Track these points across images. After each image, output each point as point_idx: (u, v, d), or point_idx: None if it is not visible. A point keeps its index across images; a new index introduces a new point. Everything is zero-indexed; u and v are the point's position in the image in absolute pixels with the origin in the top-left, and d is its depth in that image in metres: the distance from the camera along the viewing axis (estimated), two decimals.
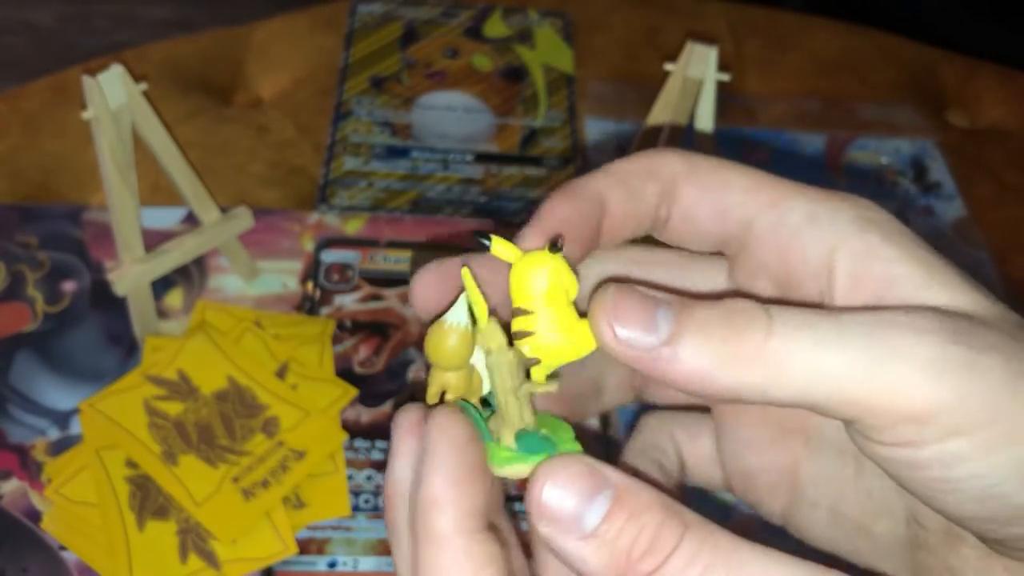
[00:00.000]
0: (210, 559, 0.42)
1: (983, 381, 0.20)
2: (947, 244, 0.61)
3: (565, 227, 0.24)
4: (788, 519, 0.29)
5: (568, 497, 0.20)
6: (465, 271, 0.23)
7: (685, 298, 0.22)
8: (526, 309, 0.22)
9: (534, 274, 0.22)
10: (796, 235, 0.24)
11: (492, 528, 0.23)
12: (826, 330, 0.20)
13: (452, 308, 0.23)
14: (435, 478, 0.22)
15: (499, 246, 0.23)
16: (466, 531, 0.22)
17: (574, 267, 0.23)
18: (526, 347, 0.22)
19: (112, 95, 0.42)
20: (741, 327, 0.20)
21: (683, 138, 0.49)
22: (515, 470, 0.22)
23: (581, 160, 0.63)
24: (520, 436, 0.23)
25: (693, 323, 0.21)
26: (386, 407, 0.49)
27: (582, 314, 0.22)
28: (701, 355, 0.20)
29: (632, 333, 0.21)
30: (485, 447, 0.23)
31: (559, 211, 0.24)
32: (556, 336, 0.22)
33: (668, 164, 0.25)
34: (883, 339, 0.20)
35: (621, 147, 0.64)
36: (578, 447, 0.23)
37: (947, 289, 0.22)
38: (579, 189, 0.25)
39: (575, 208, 0.24)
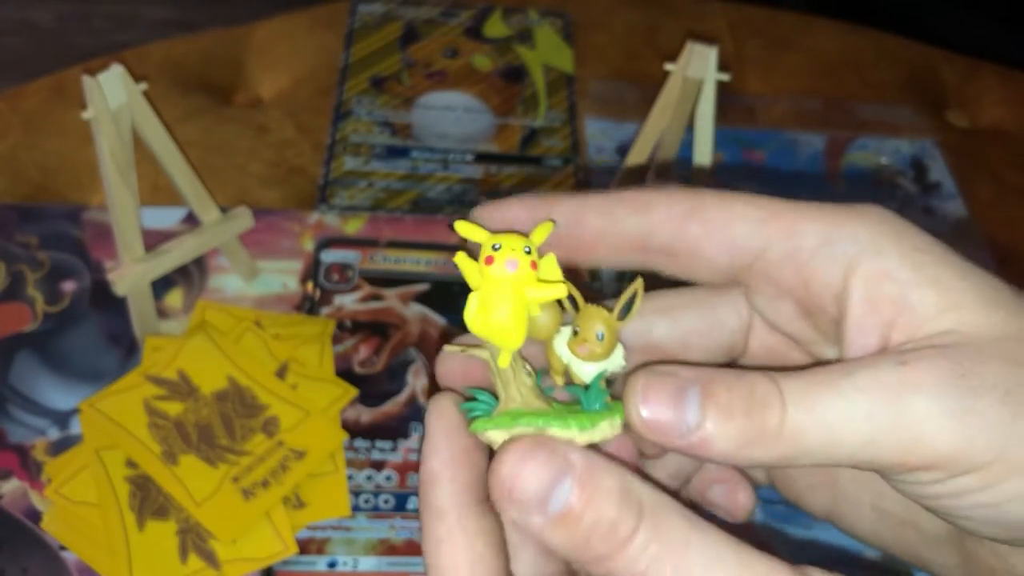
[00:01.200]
0: (210, 559, 0.42)
1: (982, 424, 0.21)
2: (947, 244, 0.61)
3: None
4: (831, 516, 0.30)
5: (532, 482, 0.22)
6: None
7: (707, 375, 0.23)
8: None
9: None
10: (813, 259, 0.24)
11: (488, 502, 0.24)
12: (832, 403, 0.22)
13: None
14: (433, 457, 0.24)
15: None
16: (461, 504, 0.24)
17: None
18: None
19: (112, 95, 0.42)
20: (760, 412, 0.22)
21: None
22: (490, 436, 0.23)
23: (581, 160, 0.63)
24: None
25: (718, 410, 0.22)
26: (386, 407, 0.49)
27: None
28: (727, 439, 0.22)
29: (664, 419, 0.22)
30: (472, 419, 0.24)
31: (511, 215, 0.25)
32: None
33: (663, 201, 0.26)
34: (885, 403, 0.22)
35: (621, 147, 0.64)
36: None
37: (957, 312, 0.23)
38: (549, 201, 0.26)
39: (530, 217, 0.25)
